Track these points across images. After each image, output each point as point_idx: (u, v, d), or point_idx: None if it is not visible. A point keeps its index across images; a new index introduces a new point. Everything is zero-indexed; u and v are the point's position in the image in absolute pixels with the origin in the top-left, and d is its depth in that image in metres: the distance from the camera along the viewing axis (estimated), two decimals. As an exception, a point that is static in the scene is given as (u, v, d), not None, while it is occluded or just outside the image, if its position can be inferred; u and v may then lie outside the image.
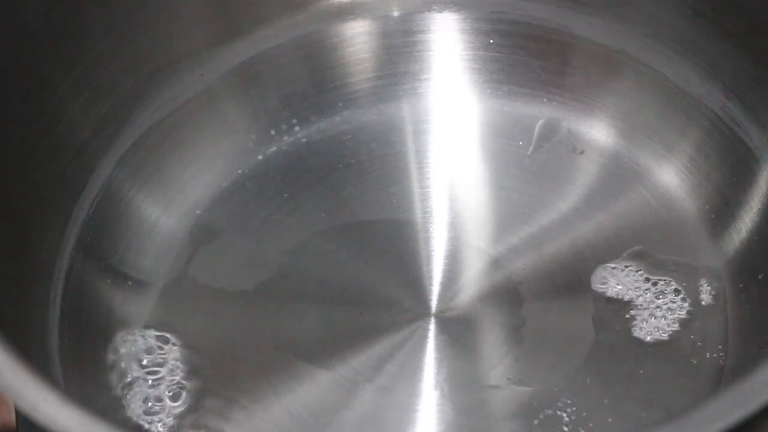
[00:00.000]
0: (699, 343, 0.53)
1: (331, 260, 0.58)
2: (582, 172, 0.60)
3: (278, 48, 0.62)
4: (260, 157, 0.61)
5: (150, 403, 0.53)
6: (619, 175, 0.59)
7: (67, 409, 0.37)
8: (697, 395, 0.51)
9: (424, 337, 0.55)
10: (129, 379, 0.53)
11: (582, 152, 0.59)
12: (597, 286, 0.56)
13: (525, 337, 0.55)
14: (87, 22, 0.55)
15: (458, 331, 0.55)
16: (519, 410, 0.52)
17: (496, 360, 0.54)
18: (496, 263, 0.57)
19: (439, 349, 0.54)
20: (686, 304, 0.54)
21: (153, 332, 0.55)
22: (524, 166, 0.60)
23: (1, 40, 0.51)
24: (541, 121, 0.61)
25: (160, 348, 0.55)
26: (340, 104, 0.63)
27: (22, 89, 0.53)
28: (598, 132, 0.61)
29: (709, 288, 0.55)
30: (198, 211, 0.60)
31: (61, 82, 0.55)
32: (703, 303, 0.54)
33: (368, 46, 0.63)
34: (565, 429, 0.51)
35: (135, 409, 0.53)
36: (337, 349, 0.55)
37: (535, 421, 0.52)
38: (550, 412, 0.52)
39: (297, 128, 0.62)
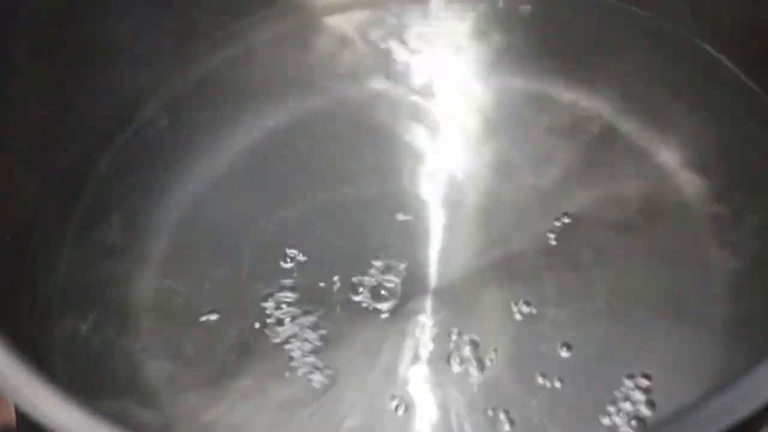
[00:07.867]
0: None
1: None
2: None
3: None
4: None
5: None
6: (623, 160, 0.59)
7: (67, 409, 0.37)
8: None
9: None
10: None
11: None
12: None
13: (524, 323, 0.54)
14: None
15: (456, 309, 0.55)
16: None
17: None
18: (492, 246, 0.57)
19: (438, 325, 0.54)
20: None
21: None
22: (526, 151, 0.60)
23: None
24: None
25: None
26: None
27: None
28: (603, 112, 0.60)
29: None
30: (190, 187, 0.59)
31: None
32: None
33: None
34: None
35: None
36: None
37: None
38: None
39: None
